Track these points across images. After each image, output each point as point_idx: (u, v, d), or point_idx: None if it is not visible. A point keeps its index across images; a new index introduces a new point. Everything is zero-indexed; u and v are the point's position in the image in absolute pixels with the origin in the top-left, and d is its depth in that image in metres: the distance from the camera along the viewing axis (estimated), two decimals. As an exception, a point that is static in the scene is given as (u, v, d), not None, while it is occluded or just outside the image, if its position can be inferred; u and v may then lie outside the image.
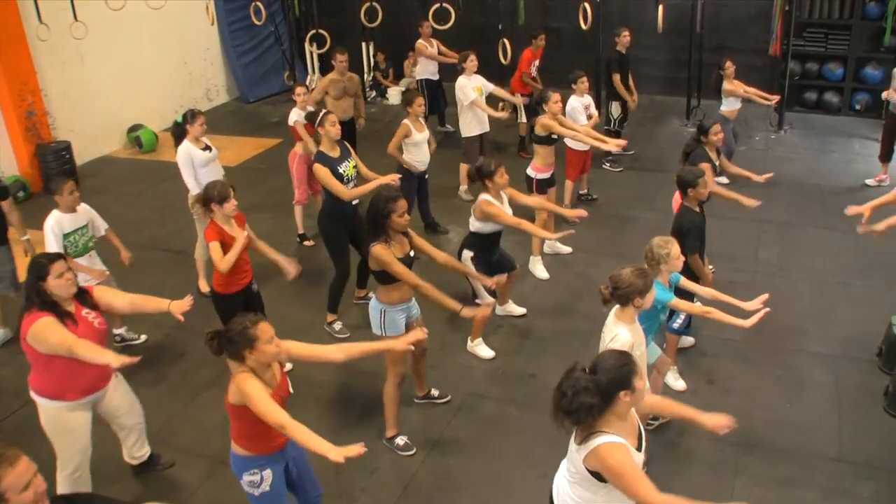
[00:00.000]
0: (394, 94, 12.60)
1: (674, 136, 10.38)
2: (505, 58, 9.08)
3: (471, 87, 8.14)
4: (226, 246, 4.96)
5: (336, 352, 3.72)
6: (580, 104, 7.70)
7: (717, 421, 3.31)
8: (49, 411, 4.15)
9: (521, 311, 6.29)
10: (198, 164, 6.43)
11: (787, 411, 5.08)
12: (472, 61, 8.27)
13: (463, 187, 8.53)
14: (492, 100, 8.91)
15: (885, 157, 8.49)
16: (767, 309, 4.28)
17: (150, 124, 10.99)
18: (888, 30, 10.06)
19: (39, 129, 9.38)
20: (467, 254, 5.60)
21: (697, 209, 5.25)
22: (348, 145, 6.13)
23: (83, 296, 4.12)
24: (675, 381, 5.28)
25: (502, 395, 5.36)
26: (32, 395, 4.17)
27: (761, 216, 7.17)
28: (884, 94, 8.19)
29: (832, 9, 10.59)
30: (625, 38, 9.03)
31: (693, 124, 10.60)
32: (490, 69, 10.12)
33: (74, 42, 8.99)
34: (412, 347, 3.71)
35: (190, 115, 6.48)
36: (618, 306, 3.88)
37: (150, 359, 5.58)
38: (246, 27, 12.44)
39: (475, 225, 5.63)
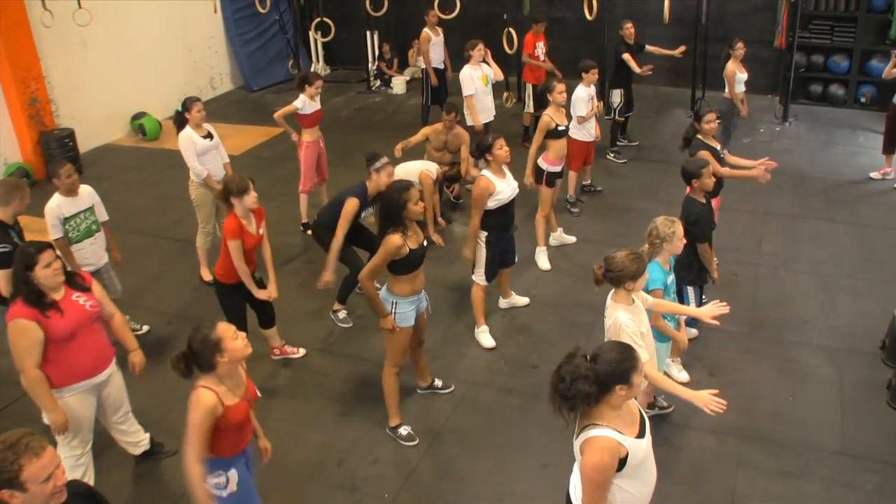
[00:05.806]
0: (398, 84, 12.57)
1: (678, 127, 10.32)
2: (510, 47, 9.04)
3: (475, 76, 8.09)
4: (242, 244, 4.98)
5: None
6: (586, 94, 7.55)
7: (703, 399, 3.37)
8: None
9: (524, 301, 6.29)
10: (199, 150, 6.43)
11: (790, 404, 5.08)
12: (479, 50, 8.14)
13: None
14: (498, 87, 8.89)
15: (888, 150, 8.46)
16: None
17: (153, 112, 10.98)
18: (894, 22, 10.02)
19: (43, 117, 9.37)
20: (482, 233, 5.55)
21: (703, 200, 5.22)
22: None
23: (74, 279, 4.06)
24: (679, 373, 5.27)
25: (505, 385, 5.36)
26: None
27: (765, 208, 7.15)
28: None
29: (838, 1, 10.53)
30: (628, 29, 8.95)
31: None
32: (495, 59, 10.09)
33: (78, 29, 8.97)
34: None
35: (188, 103, 6.49)
36: (613, 289, 3.88)
37: (153, 348, 5.58)
38: (250, 15, 12.41)
39: None
